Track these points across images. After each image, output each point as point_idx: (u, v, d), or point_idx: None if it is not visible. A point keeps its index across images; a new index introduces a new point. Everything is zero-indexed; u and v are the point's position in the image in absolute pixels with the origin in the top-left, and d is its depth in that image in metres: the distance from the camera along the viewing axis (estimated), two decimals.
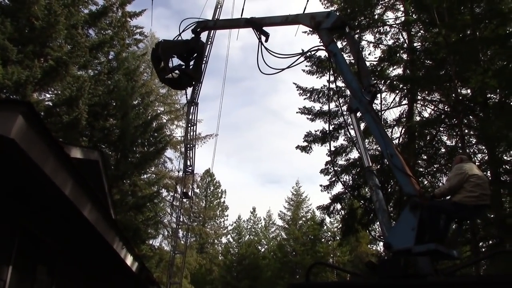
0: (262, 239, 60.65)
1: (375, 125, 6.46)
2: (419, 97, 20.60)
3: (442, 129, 19.20)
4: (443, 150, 19.14)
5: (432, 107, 20.40)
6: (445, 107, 19.39)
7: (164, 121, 34.19)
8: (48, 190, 4.75)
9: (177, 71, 8.88)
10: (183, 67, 8.90)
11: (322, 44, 7.41)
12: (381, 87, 19.20)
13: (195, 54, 9.01)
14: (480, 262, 15.47)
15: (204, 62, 22.75)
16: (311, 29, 7.83)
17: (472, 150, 18.00)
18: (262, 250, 59.43)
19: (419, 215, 5.73)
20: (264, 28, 8.26)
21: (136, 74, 25.79)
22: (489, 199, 5.97)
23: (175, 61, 8.98)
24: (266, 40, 8.15)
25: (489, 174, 15.75)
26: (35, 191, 5.04)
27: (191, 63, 9.01)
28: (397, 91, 20.41)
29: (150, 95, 28.92)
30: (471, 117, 17.61)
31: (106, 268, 8.64)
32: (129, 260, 7.81)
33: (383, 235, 6.17)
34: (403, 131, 20.08)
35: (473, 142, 18.29)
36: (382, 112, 19.63)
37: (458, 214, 5.97)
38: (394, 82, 19.73)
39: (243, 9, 20.88)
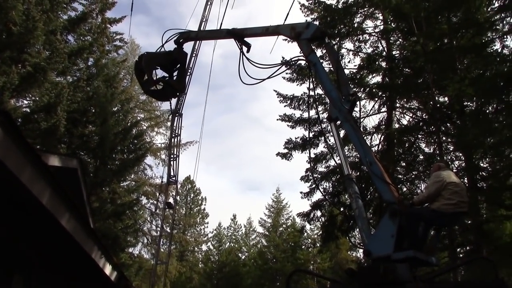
0: (242, 246, 60.43)
1: (354, 133, 6.54)
2: (397, 105, 20.87)
3: (420, 136, 19.47)
4: (421, 157, 19.39)
5: (411, 115, 20.68)
6: (423, 115, 19.68)
7: (144, 127, 33.98)
8: (25, 199, 4.68)
9: (161, 83, 8.84)
10: (167, 78, 8.87)
11: (302, 54, 7.48)
12: (360, 95, 19.40)
13: (178, 65, 8.98)
14: (458, 268, 15.67)
15: (188, 73, 22.73)
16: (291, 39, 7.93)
17: (449, 157, 18.28)
18: (243, 257, 59.21)
19: (398, 222, 5.78)
20: (246, 39, 8.30)
21: (115, 81, 25.60)
22: (467, 206, 6.06)
23: (159, 72, 8.96)
24: (248, 51, 8.19)
25: (466, 181, 15.99)
26: (12, 200, 4.95)
27: (175, 74, 8.98)
28: (376, 99, 20.64)
29: (130, 102, 28.73)
30: (448, 124, 17.87)
31: (84, 277, 8.52)
32: (107, 269, 7.72)
33: (362, 242, 6.21)
34: (382, 138, 20.32)
35: (451, 149, 18.58)
36: (361, 120, 19.79)
37: (436, 221, 6.06)
38: (373, 90, 19.95)
39: (223, 17, 20.87)
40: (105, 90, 23.50)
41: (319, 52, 15.87)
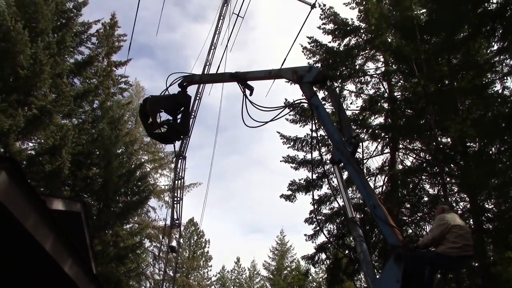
0: None
1: (357, 176, 6.51)
2: (400, 146, 20.91)
3: (424, 177, 19.40)
4: (426, 198, 19.27)
5: (414, 156, 20.68)
6: (427, 156, 19.68)
7: (148, 169, 34.02)
8: (28, 245, 4.68)
9: (165, 126, 8.89)
10: (171, 121, 8.94)
11: (304, 97, 7.55)
12: (363, 136, 19.50)
13: (182, 108, 9.05)
14: None
15: (192, 116, 23.03)
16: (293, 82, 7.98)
17: (454, 199, 18.13)
18: None
19: (403, 267, 5.71)
20: (249, 82, 8.38)
21: (120, 123, 25.83)
22: (472, 250, 5.99)
23: (163, 115, 9.03)
24: (251, 94, 8.23)
25: (471, 223, 15.84)
26: (15, 245, 4.95)
27: (179, 117, 9.04)
28: (379, 140, 20.71)
29: (134, 144, 28.90)
30: (452, 165, 17.85)
31: None
32: None
33: (368, 287, 6.12)
34: (386, 180, 20.24)
35: (455, 191, 18.47)
36: (365, 161, 19.78)
37: (442, 265, 5.98)
38: (376, 131, 20.05)
39: (221, 60, 21.26)
40: (110, 132, 23.68)
41: (321, 94, 16.13)
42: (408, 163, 20.79)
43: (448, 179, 17.88)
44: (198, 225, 56.80)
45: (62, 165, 20.35)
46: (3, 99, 18.38)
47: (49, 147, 20.25)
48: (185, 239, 55.68)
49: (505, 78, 16.04)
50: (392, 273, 5.78)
